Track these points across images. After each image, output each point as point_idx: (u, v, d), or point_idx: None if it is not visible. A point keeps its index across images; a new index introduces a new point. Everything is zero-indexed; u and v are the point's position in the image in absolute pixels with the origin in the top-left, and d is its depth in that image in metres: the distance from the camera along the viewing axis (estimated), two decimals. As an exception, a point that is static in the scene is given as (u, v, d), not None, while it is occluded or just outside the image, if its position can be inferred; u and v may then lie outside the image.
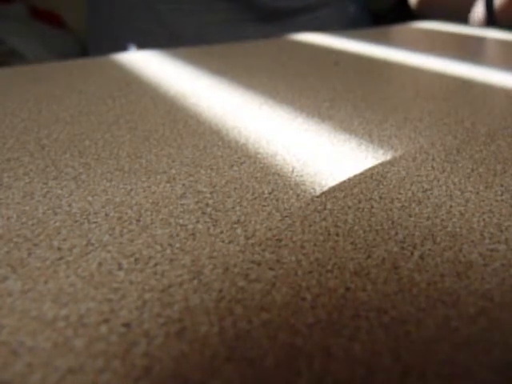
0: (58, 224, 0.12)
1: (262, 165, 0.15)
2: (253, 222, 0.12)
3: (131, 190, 0.14)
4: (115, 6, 0.52)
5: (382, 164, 0.15)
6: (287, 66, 0.29)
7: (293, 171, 0.15)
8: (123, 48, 0.52)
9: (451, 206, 0.13)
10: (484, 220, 0.12)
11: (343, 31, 0.42)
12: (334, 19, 0.56)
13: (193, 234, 0.12)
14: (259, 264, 0.11)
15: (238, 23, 0.52)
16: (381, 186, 0.14)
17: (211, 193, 0.14)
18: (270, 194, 0.13)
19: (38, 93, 0.23)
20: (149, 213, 0.13)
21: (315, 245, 0.11)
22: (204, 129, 0.18)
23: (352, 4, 0.57)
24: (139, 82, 0.26)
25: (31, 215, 0.13)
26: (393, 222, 0.12)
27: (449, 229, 0.12)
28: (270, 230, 0.12)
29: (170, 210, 0.13)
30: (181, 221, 0.12)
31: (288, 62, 0.30)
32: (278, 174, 0.15)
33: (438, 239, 0.11)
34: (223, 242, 0.11)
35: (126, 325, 0.09)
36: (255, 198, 0.13)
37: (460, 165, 0.15)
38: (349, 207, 0.13)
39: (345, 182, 0.14)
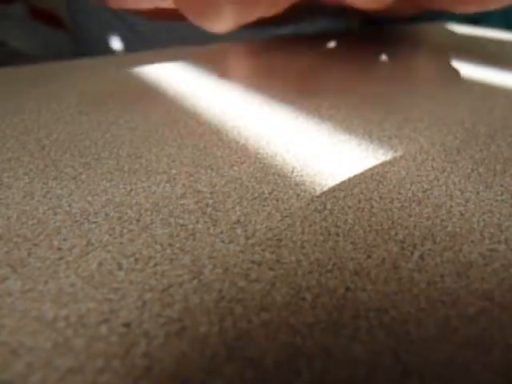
0: (58, 224, 0.12)
1: (261, 165, 0.15)
2: (253, 222, 0.12)
3: (131, 190, 0.14)
4: (92, 18, 0.52)
5: (382, 164, 0.15)
6: (287, 66, 0.29)
7: (293, 171, 0.15)
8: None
9: (451, 206, 0.13)
10: (484, 220, 0.12)
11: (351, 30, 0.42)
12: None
13: (193, 234, 0.12)
14: (259, 264, 0.11)
15: None
16: (381, 186, 0.14)
17: (211, 193, 0.14)
18: (270, 194, 0.13)
19: (38, 93, 0.23)
20: (149, 213, 0.13)
21: (315, 245, 0.11)
22: (204, 129, 0.18)
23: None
24: (139, 82, 0.26)
25: (31, 215, 0.13)
26: (393, 222, 0.12)
27: (449, 229, 0.12)
28: (270, 229, 0.12)
29: (170, 210, 0.13)
30: (181, 221, 0.12)
31: (288, 62, 0.30)
32: (278, 174, 0.15)
33: (438, 239, 0.11)
34: (223, 242, 0.11)
35: (126, 325, 0.09)
36: (255, 198, 0.13)
37: (460, 165, 0.15)
38: (349, 207, 0.13)
39: (345, 181, 0.14)
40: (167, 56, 0.33)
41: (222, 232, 0.12)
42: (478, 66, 0.28)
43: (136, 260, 0.11)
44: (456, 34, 0.40)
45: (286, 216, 0.12)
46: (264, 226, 0.12)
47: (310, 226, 0.12)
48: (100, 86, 0.25)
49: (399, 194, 0.13)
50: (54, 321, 0.09)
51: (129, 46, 0.50)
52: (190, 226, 0.12)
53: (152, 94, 0.23)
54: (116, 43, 0.49)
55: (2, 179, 0.14)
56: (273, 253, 0.11)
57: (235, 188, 0.14)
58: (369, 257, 0.11)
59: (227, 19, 0.18)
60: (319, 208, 0.13)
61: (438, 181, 0.14)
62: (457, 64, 0.28)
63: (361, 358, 0.08)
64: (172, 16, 0.26)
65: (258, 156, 0.16)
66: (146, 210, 0.13)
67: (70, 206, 0.13)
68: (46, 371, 0.08)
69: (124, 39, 0.50)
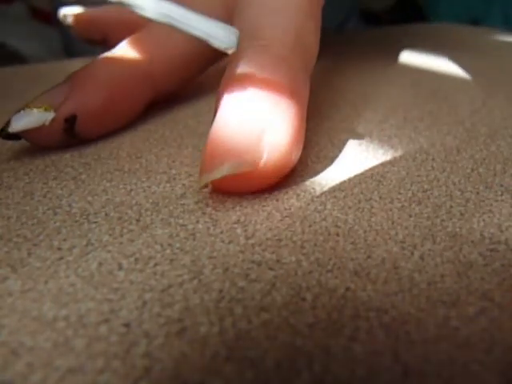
0: (58, 224, 0.12)
1: (261, 165, 0.15)
2: (253, 222, 0.12)
3: (131, 190, 0.14)
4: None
5: (382, 164, 0.15)
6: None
7: (293, 171, 0.15)
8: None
9: (451, 206, 0.13)
10: (484, 220, 0.12)
11: (343, 32, 0.42)
12: None
13: (193, 234, 0.12)
14: (259, 264, 0.11)
15: None
16: (381, 186, 0.14)
17: (211, 193, 0.14)
18: (270, 194, 0.13)
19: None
20: (149, 213, 0.13)
21: (315, 245, 0.11)
22: (204, 129, 0.18)
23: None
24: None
25: (31, 215, 0.13)
26: (393, 222, 0.12)
27: (449, 229, 0.12)
28: (270, 229, 0.12)
29: (169, 210, 0.13)
30: (181, 221, 0.12)
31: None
32: (278, 174, 0.15)
33: (438, 239, 0.11)
34: (223, 242, 0.11)
35: (126, 325, 0.09)
36: (255, 198, 0.13)
37: (460, 165, 0.15)
38: (349, 207, 0.13)
39: (345, 181, 0.14)
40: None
41: (221, 232, 0.12)
42: (477, 65, 0.28)
43: (136, 260, 0.11)
44: (456, 33, 0.40)
45: (286, 216, 0.12)
46: (264, 226, 0.12)
47: (310, 226, 0.12)
48: (100, 86, 0.25)
49: (399, 194, 0.13)
50: (54, 321, 0.09)
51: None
52: (190, 226, 0.12)
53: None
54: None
55: (2, 179, 0.14)
56: (273, 253, 0.11)
57: (235, 188, 0.14)
58: (369, 257, 0.11)
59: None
60: (319, 208, 0.13)
61: (438, 181, 0.14)
62: (457, 64, 0.28)
63: (361, 358, 0.08)
64: None
65: (258, 156, 0.16)
66: (146, 210, 0.13)
67: (70, 205, 0.13)
68: (46, 371, 0.08)
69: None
